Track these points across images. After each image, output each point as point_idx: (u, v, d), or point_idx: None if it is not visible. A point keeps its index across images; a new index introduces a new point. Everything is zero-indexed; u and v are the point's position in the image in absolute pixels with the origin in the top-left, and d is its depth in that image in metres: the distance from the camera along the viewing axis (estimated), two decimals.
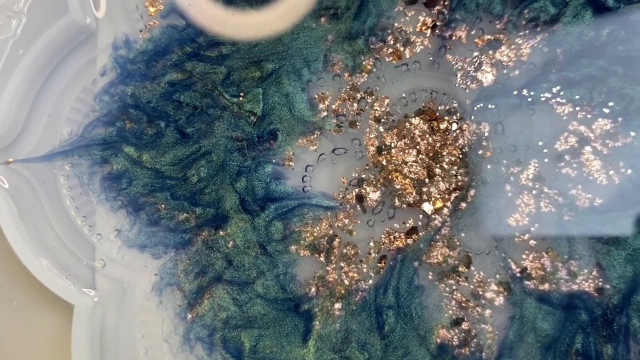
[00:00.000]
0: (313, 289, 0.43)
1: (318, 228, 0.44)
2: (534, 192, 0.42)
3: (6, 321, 0.46)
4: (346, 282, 0.43)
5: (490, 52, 0.43)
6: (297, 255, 0.44)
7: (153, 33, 0.45)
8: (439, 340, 0.42)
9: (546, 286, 0.41)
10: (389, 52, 0.44)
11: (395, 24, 0.44)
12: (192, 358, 0.44)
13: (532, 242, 0.42)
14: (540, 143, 0.42)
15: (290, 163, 0.44)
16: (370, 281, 0.43)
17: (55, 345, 0.45)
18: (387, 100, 0.44)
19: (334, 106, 0.44)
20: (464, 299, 0.42)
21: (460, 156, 0.43)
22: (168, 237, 0.45)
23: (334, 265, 0.43)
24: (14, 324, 0.46)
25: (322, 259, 0.44)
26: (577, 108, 0.42)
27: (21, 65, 0.44)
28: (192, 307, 0.44)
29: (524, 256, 0.42)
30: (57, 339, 0.45)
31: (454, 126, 0.43)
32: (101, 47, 0.45)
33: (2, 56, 0.44)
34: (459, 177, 0.43)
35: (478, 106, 0.43)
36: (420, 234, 0.43)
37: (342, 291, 0.43)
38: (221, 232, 0.44)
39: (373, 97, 0.44)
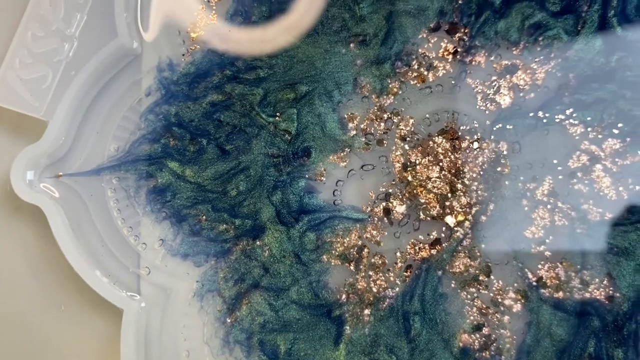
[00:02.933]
0: (344, 296, 0.44)
1: (348, 239, 0.44)
2: (548, 206, 0.43)
3: (55, 324, 0.47)
4: (374, 289, 0.44)
5: (508, 76, 0.44)
6: (329, 264, 0.45)
7: (195, 57, 0.46)
8: (461, 344, 0.43)
9: (561, 294, 0.42)
10: (413, 75, 0.45)
11: (420, 50, 0.45)
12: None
13: (547, 253, 0.43)
14: (554, 161, 0.43)
15: (322, 178, 0.45)
16: (397, 289, 0.44)
17: (100, 347, 0.46)
18: (412, 120, 0.45)
19: (362, 125, 0.45)
20: (484, 306, 0.43)
21: (481, 173, 0.44)
22: (209, 246, 0.45)
23: (363, 274, 0.44)
24: (62, 327, 0.47)
25: (352, 267, 0.44)
26: (589, 129, 0.43)
27: (72, 86, 0.45)
28: (232, 312, 0.45)
29: (539, 266, 0.43)
30: (101, 342, 0.46)
31: (475, 145, 0.44)
32: (146, 70, 0.46)
33: (55, 77, 0.45)
34: (479, 192, 0.44)
35: (497, 126, 0.44)
36: (444, 245, 0.44)
37: (371, 298, 0.44)
38: (258, 242, 0.45)
39: (399, 117, 0.45)
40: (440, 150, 0.44)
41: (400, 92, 0.45)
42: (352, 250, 0.45)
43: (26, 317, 0.47)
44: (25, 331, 0.47)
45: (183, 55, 0.47)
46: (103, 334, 0.47)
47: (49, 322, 0.47)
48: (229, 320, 0.45)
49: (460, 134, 0.44)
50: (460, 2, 0.45)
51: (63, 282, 0.47)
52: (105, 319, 0.47)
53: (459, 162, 0.44)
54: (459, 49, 0.45)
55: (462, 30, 0.45)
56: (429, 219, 0.44)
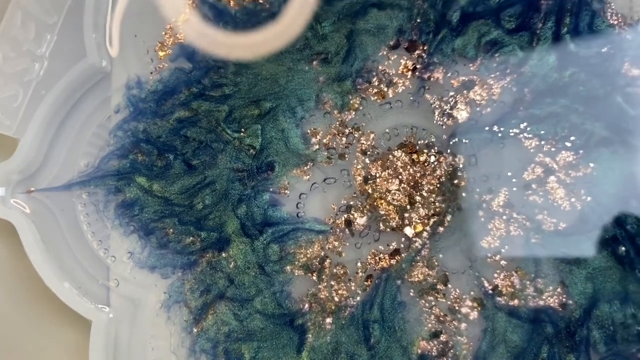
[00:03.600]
0: (306, 305, 0.45)
1: (311, 250, 0.46)
2: (504, 217, 0.44)
3: (26, 334, 0.48)
4: (336, 298, 0.45)
5: (465, 91, 0.45)
6: (292, 275, 0.46)
7: (162, 75, 0.47)
8: (419, 351, 0.44)
9: (515, 302, 0.43)
10: (374, 92, 0.46)
11: (380, 67, 0.46)
12: None
13: (502, 262, 0.44)
14: (509, 173, 0.44)
15: (286, 191, 0.46)
16: (358, 298, 0.45)
17: (70, 357, 0.47)
18: (372, 135, 0.46)
19: (325, 140, 0.46)
20: (442, 314, 0.44)
21: (438, 185, 0.45)
22: (176, 258, 0.46)
23: (325, 284, 0.45)
24: (33, 337, 0.48)
25: (314, 278, 0.45)
26: (543, 142, 0.44)
27: (43, 104, 0.46)
28: (198, 322, 0.46)
29: (495, 275, 0.44)
30: (72, 352, 0.47)
31: (432, 158, 0.45)
32: (115, 87, 0.47)
33: (26, 96, 0.46)
34: (437, 204, 0.45)
35: (454, 141, 0.45)
36: (403, 255, 0.45)
37: (333, 307, 0.45)
38: (224, 254, 0.46)
39: (360, 132, 0.46)
40: (399, 163, 0.46)
41: (361, 108, 0.46)
42: (314, 260, 0.46)
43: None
44: None
45: (151, 73, 0.48)
46: (73, 344, 0.47)
47: (19, 332, 0.48)
48: (195, 330, 0.46)
49: (418, 147, 0.46)
50: (418, 20, 0.46)
51: (35, 293, 0.47)
52: (76, 330, 0.47)
53: (418, 175, 0.45)
54: (417, 66, 0.46)
55: (421, 47, 0.46)
56: (388, 230, 0.45)
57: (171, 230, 0.47)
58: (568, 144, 0.44)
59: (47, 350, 0.48)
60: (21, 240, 0.46)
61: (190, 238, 0.47)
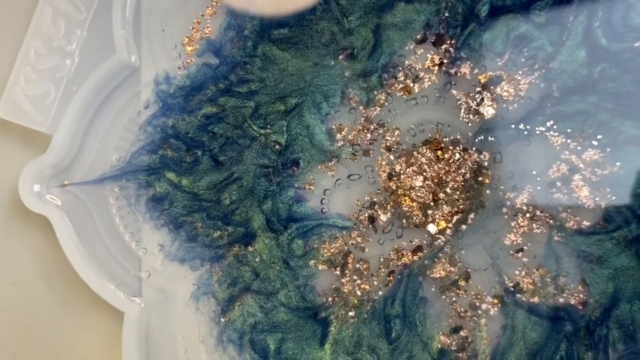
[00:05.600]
0: (330, 299, 0.46)
1: (334, 245, 0.46)
2: (527, 215, 0.44)
3: (62, 325, 0.50)
4: (359, 293, 0.46)
5: (492, 87, 0.44)
6: (316, 269, 0.47)
7: (190, 70, 0.48)
8: (439, 346, 0.45)
9: (536, 299, 0.43)
10: (399, 87, 0.46)
11: (406, 62, 0.45)
12: (225, 357, 0.47)
13: (524, 259, 0.44)
14: (534, 171, 0.44)
15: (311, 187, 0.47)
16: (380, 293, 0.46)
17: (105, 344, 0.49)
18: (397, 131, 0.46)
19: (349, 136, 0.46)
20: (462, 310, 0.45)
21: (463, 182, 0.45)
22: (204, 252, 0.47)
23: (348, 278, 0.46)
24: (69, 327, 0.50)
25: (337, 272, 0.46)
26: (569, 140, 0.43)
27: (75, 100, 0.47)
28: (225, 313, 0.47)
29: (517, 272, 0.44)
30: (106, 339, 0.49)
31: (457, 155, 0.45)
32: (144, 83, 0.48)
33: (58, 92, 0.47)
34: (460, 201, 0.45)
35: (479, 138, 0.45)
36: (425, 251, 0.45)
37: (355, 301, 0.46)
38: (250, 248, 0.47)
39: (385, 128, 0.46)
40: (424, 160, 0.46)
41: (386, 104, 0.46)
42: (338, 256, 0.47)
43: (38, 315, 0.50)
44: (36, 328, 0.50)
45: (179, 68, 0.48)
46: (107, 333, 0.50)
47: (56, 322, 0.50)
48: (222, 321, 0.48)
49: (443, 144, 0.45)
50: (446, 14, 0.45)
51: (70, 285, 0.49)
52: (109, 319, 0.49)
53: (442, 172, 0.45)
54: (444, 61, 0.45)
55: (448, 41, 0.45)
56: (411, 226, 0.46)
57: (200, 224, 0.48)
58: (595, 142, 0.43)
59: (82, 338, 0.50)
60: (56, 234, 0.47)
61: (218, 232, 0.48)
